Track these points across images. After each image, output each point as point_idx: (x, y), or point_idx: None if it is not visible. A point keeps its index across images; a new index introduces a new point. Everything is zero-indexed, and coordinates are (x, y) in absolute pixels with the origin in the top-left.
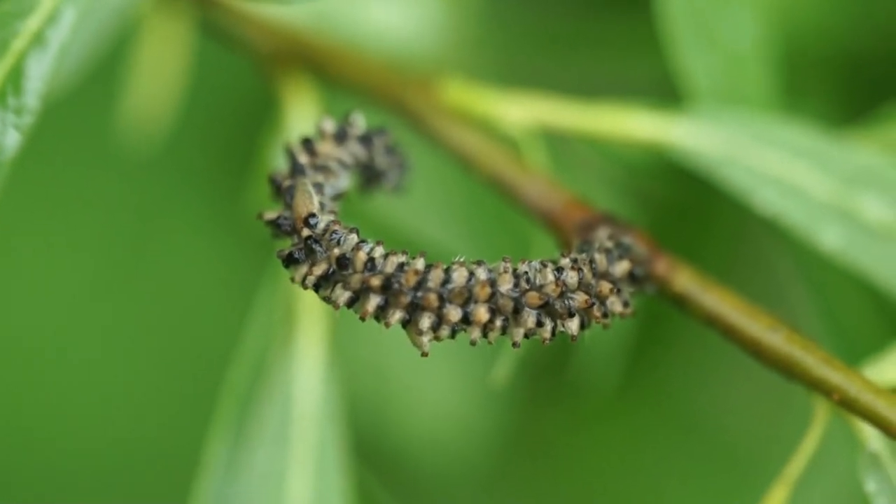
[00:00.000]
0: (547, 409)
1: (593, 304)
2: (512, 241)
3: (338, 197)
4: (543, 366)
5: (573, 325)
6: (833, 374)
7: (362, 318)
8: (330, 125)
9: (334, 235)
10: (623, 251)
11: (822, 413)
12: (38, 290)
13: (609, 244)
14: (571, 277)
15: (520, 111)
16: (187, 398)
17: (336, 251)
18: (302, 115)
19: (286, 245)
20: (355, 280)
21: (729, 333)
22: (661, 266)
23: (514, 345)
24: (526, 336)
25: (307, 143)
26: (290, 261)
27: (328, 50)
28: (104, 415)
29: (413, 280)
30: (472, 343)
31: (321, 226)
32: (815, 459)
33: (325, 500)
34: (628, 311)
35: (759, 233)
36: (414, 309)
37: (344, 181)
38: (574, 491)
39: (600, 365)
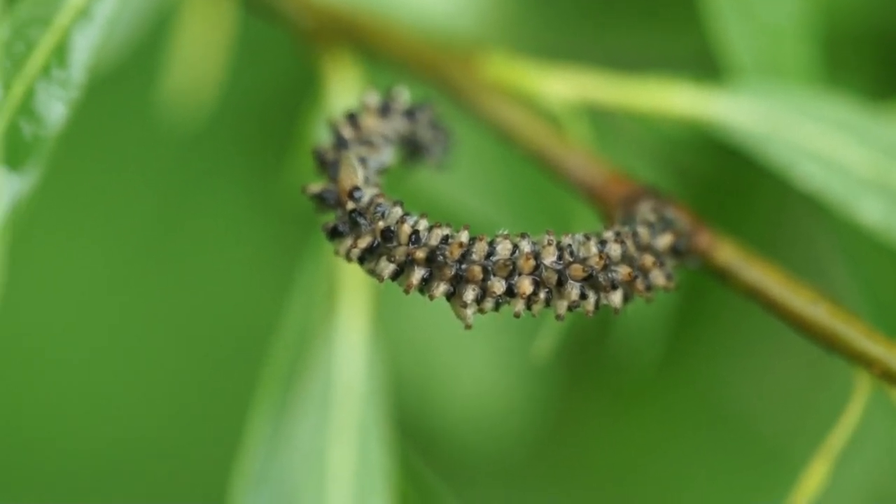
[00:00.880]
0: (586, 388)
1: (636, 276)
2: (554, 215)
3: (381, 171)
4: (584, 343)
5: (616, 297)
6: (874, 347)
7: (407, 291)
8: (374, 99)
9: (379, 208)
10: (666, 224)
11: (863, 386)
12: (77, 264)
13: (652, 217)
14: (615, 250)
15: (561, 86)
16: (230, 373)
17: (380, 224)
18: (344, 90)
19: (330, 218)
20: (400, 252)
21: (771, 307)
22: (704, 239)
23: (558, 317)
24: (569, 309)
25: (351, 117)
26: (334, 234)
27: (370, 25)
28: (143, 390)
29: (457, 252)
30: (516, 315)
31: (365, 199)
32: (855, 433)
33: (367, 475)
34: (671, 284)
35: (800, 207)
36: (458, 281)
37: (387, 155)
38: (610, 469)
39: (641, 341)
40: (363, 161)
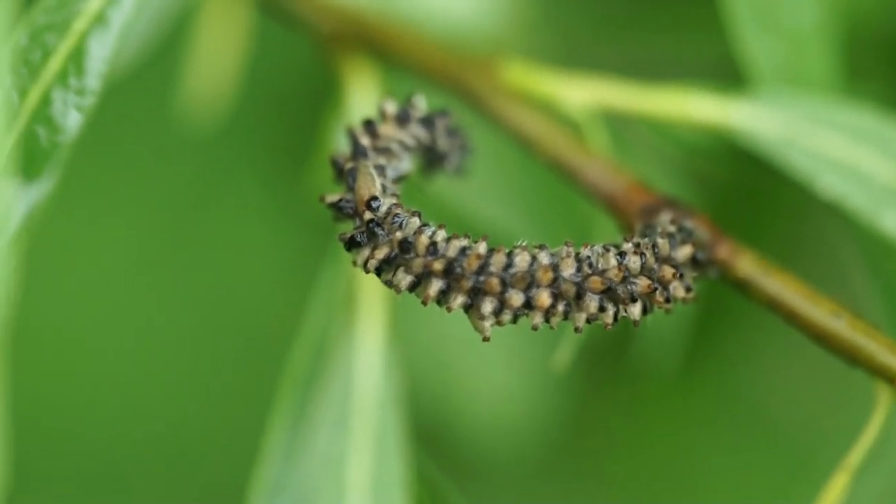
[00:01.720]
0: (605, 394)
1: (656, 288)
2: (574, 224)
3: (399, 179)
4: (603, 350)
5: (635, 310)
6: None
7: (424, 303)
8: (391, 107)
9: (396, 219)
10: (685, 235)
11: (884, 399)
12: (98, 271)
13: (671, 228)
14: (634, 262)
15: (581, 93)
16: (248, 382)
17: (398, 234)
18: (363, 96)
19: (348, 228)
20: (417, 264)
21: (791, 318)
22: (724, 250)
23: (577, 330)
24: (588, 321)
25: (369, 125)
26: (351, 244)
27: (389, 31)
28: (161, 397)
29: (475, 264)
30: (534, 328)
31: (383, 209)
32: (876, 446)
33: (385, 484)
34: (690, 295)
35: (821, 217)
36: (476, 293)
37: (406, 163)
38: (631, 476)
39: (660, 350)
40: (381, 169)
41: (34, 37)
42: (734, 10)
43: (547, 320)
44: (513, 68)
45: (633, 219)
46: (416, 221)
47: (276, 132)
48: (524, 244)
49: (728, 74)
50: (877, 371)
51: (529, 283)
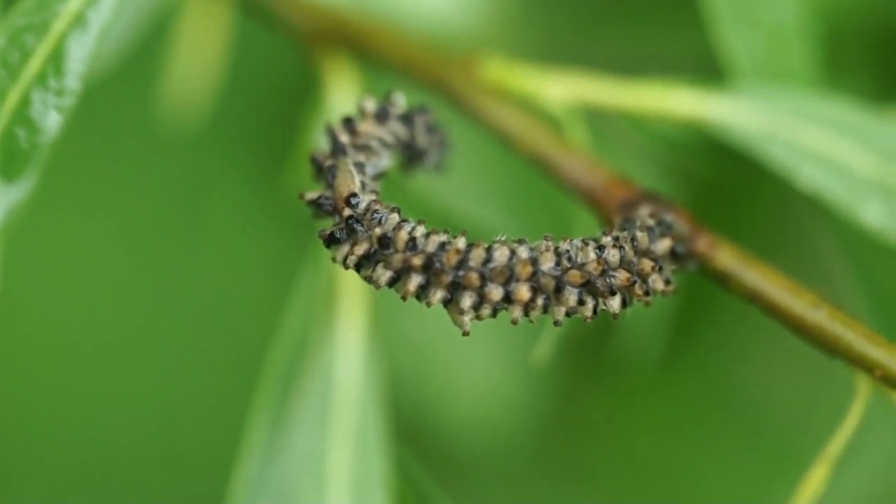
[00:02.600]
0: (588, 386)
1: (635, 281)
2: (553, 219)
3: (379, 176)
4: (584, 343)
5: (615, 303)
6: (875, 351)
7: (404, 298)
8: (371, 104)
9: (376, 215)
10: (665, 229)
11: (863, 390)
12: (77, 270)
13: (650, 222)
14: (613, 255)
15: (560, 89)
16: (228, 379)
17: (377, 231)
18: (343, 94)
19: (327, 225)
20: (397, 259)
21: (771, 311)
22: (703, 243)
23: (556, 323)
24: (567, 315)
25: (348, 123)
26: (331, 241)
27: (368, 29)
28: (143, 396)
29: (454, 259)
30: (514, 322)
31: (362, 205)
32: (856, 437)
33: (366, 481)
34: (670, 288)
35: (801, 209)
36: (455, 288)
37: (385, 160)
38: (614, 468)
39: (641, 343)
40: (360, 167)
41: (13, 38)
42: (713, 5)
43: (526, 314)
44: (492, 65)
45: (612, 213)
46: (395, 217)
47: (257, 131)
48: (503, 239)
49: (708, 70)
50: (856, 361)
51: (509, 277)
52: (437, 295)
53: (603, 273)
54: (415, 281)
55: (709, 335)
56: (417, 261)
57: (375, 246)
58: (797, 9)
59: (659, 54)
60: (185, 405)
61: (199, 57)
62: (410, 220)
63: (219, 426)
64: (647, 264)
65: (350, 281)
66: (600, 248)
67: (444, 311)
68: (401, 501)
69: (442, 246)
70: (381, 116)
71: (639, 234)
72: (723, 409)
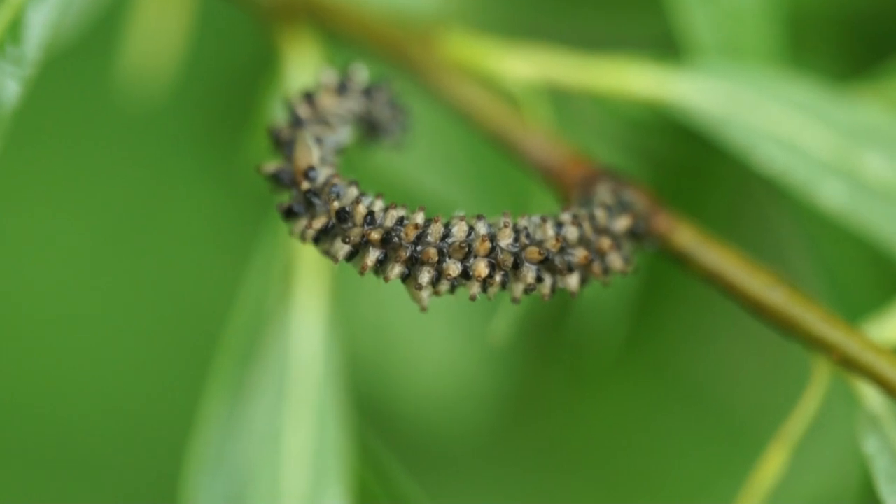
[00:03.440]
0: (548, 367)
1: (593, 259)
2: (513, 196)
3: (338, 150)
4: (545, 324)
5: (573, 280)
6: (833, 333)
7: (361, 272)
8: (331, 78)
9: (334, 189)
10: (623, 207)
11: (821, 372)
12: (37, 242)
13: (609, 200)
14: (571, 233)
15: (521, 66)
16: (185, 354)
17: (336, 204)
18: (302, 68)
19: (286, 198)
20: (355, 233)
21: (729, 291)
22: (662, 222)
23: (514, 300)
24: (525, 292)
25: (307, 96)
26: (289, 214)
27: (329, 3)
28: (103, 372)
29: (413, 234)
30: (472, 298)
31: (321, 179)
32: (816, 421)
33: (324, 458)
34: (628, 267)
35: (761, 190)
36: (413, 263)
37: (344, 135)
38: (574, 449)
39: (602, 324)
40: (319, 140)
41: None
42: None
43: (484, 290)
44: (453, 41)
45: (571, 190)
46: (353, 191)
47: (216, 105)
48: (462, 214)
49: (670, 48)
50: (813, 343)
51: (467, 252)
52: (395, 270)
53: (561, 250)
54: (373, 255)
55: (670, 320)
56: (376, 235)
57: (333, 220)
58: None
59: (623, 34)
60: (145, 383)
61: (161, 30)
62: (369, 194)
63: (177, 401)
64: (605, 242)
65: (309, 256)
66: (559, 224)
67: (402, 288)
68: (360, 479)
69: (400, 220)
70: (341, 90)
71: (597, 211)
72: (684, 392)
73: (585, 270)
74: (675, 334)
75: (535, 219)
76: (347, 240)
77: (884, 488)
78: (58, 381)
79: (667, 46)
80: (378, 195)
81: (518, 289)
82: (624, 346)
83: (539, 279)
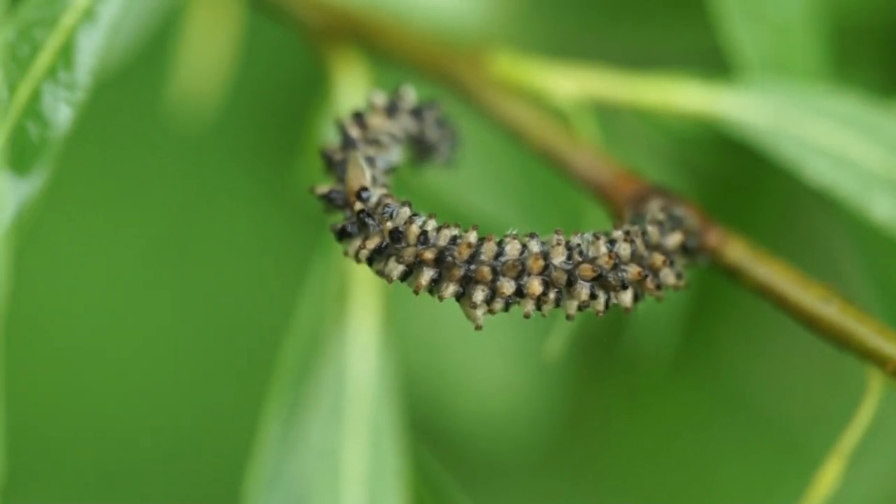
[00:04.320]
0: (600, 383)
1: (646, 275)
2: (564, 213)
3: (389, 171)
4: (596, 340)
5: (626, 297)
6: (887, 345)
7: (416, 292)
8: (381, 98)
9: (387, 209)
10: (675, 223)
11: (875, 384)
12: (92, 264)
13: (661, 216)
14: (624, 249)
15: (569, 83)
16: (241, 374)
17: (389, 224)
18: (352, 89)
19: (339, 219)
20: (408, 253)
21: (781, 304)
22: (714, 237)
23: (568, 317)
24: (579, 309)
25: (358, 117)
26: (342, 235)
27: (377, 24)
28: (157, 392)
29: (466, 253)
30: (526, 316)
31: (373, 199)
32: (869, 431)
33: (381, 476)
34: (681, 282)
35: (811, 204)
36: (467, 282)
37: (395, 155)
38: (626, 463)
39: (654, 338)
40: (371, 161)
41: (23, 32)
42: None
43: (538, 308)
44: (501, 60)
45: (622, 207)
46: (406, 211)
47: (267, 126)
48: (514, 233)
49: (716, 65)
50: (867, 355)
51: (520, 271)
52: (450, 289)
53: (614, 267)
54: (427, 275)
55: (721, 333)
56: (429, 254)
57: (387, 240)
58: (803, 3)
59: (667, 49)
60: (200, 401)
61: (209, 52)
62: (422, 213)
63: (234, 422)
64: (658, 258)
65: (363, 275)
66: (611, 241)
67: (456, 307)
68: (416, 496)
69: (453, 240)
70: (391, 110)
71: (649, 228)
72: (736, 406)
73: (639, 287)
74: (725, 347)
75: (588, 236)
76: (401, 260)
77: None
78: (112, 401)
79: (713, 62)
80: (431, 215)
81: (572, 306)
82: (675, 359)
83: (593, 296)
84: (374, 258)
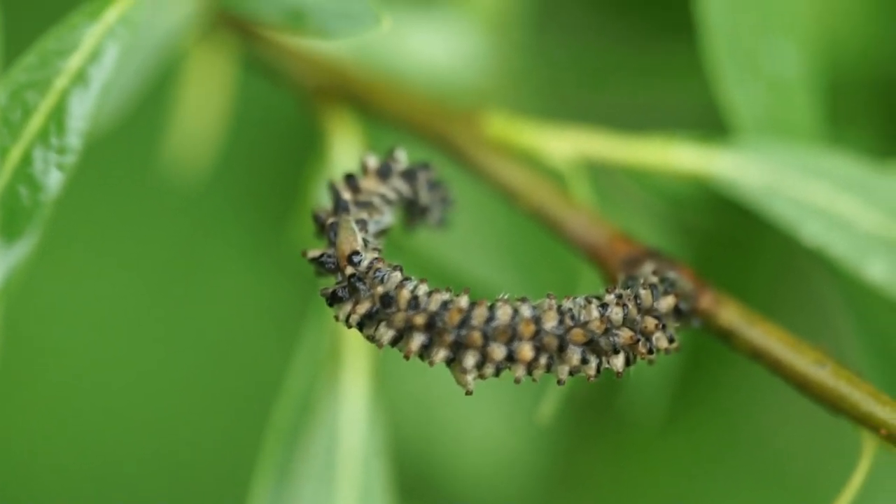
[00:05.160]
0: (593, 443)
1: (638, 340)
2: (558, 275)
3: (381, 233)
4: (589, 400)
5: (618, 361)
6: (880, 409)
7: (406, 357)
8: (373, 161)
9: (378, 273)
10: (668, 286)
11: (869, 448)
12: (84, 324)
13: (654, 279)
14: (616, 314)
15: (563, 144)
16: (232, 434)
17: (380, 289)
18: (345, 149)
19: (330, 283)
20: (399, 318)
21: (775, 368)
22: (707, 300)
23: (560, 382)
24: (571, 373)
25: (350, 180)
26: (333, 299)
27: (371, 84)
28: (147, 447)
29: (457, 318)
30: (517, 381)
31: (365, 263)
32: (863, 493)
33: None
34: (674, 346)
35: (806, 265)
36: (458, 347)
37: (388, 217)
38: None
39: (646, 399)
40: (363, 224)
41: (14, 95)
42: (716, 57)
43: (529, 373)
44: (495, 120)
45: (615, 270)
46: (397, 276)
47: (260, 186)
48: (506, 297)
49: (711, 123)
50: (861, 420)
51: (511, 336)
52: (440, 354)
53: (606, 331)
54: (417, 340)
55: (714, 389)
56: (420, 320)
57: (378, 305)
58: (800, 62)
59: (662, 107)
60: (189, 459)
61: (203, 111)
62: (413, 278)
63: (225, 483)
64: (650, 322)
65: (354, 337)
66: (603, 305)
67: (447, 370)
68: None
69: (444, 305)
70: (384, 173)
71: (642, 291)
72: (729, 464)
73: (631, 351)
74: (718, 404)
75: (580, 300)
76: (392, 325)
77: None
78: (101, 460)
79: (709, 120)
80: (422, 279)
81: (563, 371)
82: (668, 419)
83: (584, 360)
84: (365, 323)
